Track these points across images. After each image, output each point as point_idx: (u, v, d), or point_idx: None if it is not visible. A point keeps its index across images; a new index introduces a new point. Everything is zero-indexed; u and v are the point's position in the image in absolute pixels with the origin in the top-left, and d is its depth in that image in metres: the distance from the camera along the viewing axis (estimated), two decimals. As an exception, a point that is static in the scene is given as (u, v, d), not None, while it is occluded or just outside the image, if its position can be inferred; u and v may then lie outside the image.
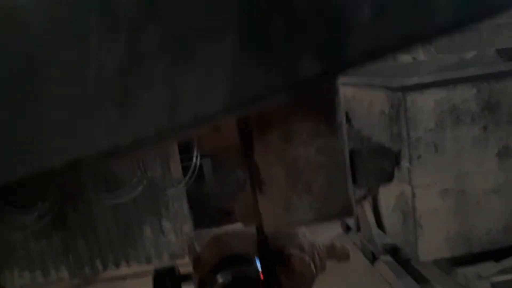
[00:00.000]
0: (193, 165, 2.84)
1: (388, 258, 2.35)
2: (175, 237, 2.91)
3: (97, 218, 2.83)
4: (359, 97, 2.21)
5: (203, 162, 3.24)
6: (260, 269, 0.36)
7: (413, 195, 1.88)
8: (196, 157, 2.95)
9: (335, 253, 0.51)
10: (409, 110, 1.83)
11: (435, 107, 1.87)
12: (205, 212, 3.17)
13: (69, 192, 2.72)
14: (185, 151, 2.88)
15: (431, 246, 1.95)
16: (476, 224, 2.00)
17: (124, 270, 2.91)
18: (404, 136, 1.86)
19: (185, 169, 2.84)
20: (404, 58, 2.52)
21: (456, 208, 1.92)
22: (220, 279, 0.36)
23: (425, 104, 1.86)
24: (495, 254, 2.04)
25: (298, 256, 0.44)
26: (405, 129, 1.84)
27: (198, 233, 3.01)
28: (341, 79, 2.53)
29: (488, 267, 2.01)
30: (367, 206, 2.18)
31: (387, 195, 2.16)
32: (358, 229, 2.51)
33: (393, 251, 2.32)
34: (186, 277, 0.45)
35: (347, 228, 2.88)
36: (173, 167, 2.80)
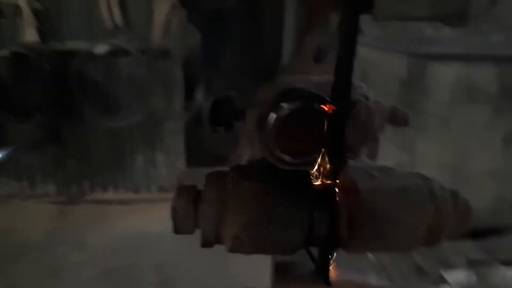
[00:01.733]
0: (195, 103, 2.82)
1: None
2: (166, 171, 2.91)
3: (91, 139, 2.81)
4: (377, 60, 2.18)
5: (204, 105, 3.22)
6: (324, 102, 0.33)
7: (411, 164, 1.90)
8: (200, 97, 2.92)
9: (396, 116, 0.49)
10: (428, 79, 1.82)
11: (453, 80, 1.85)
12: (199, 153, 3.19)
13: (67, 109, 2.69)
14: (190, 90, 2.85)
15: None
16: (465, 202, 2.04)
17: (110, 195, 2.93)
18: (415, 104, 1.86)
19: (186, 108, 2.83)
20: (429, 31, 2.47)
21: (450, 184, 1.95)
22: (285, 106, 0.33)
23: (445, 76, 1.84)
24: (476, 233, 2.10)
25: (364, 103, 0.41)
26: (418, 97, 1.83)
27: (190, 171, 3.04)
28: (360, 39, 2.48)
29: (467, 245, 2.07)
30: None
31: (385, 163, 2.17)
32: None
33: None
34: (240, 115, 0.41)
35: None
36: (175, 102, 2.78)
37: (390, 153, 2.11)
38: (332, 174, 0.37)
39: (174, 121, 2.81)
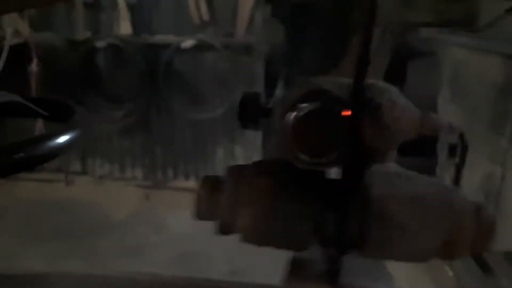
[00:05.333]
0: (275, 99, 2.82)
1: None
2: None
3: (177, 128, 2.96)
4: (469, 61, 1.98)
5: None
6: (345, 105, 0.33)
7: (503, 177, 1.70)
8: (280, 93, 2.91)
9: (425, 124, 0.45)
10: (526, 84, 1.61)
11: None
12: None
13: (156, 98, 2.85)
14: (270, 85, 2.86)
15: (509, 235, 1.78)
16: None
17: (192, 183, 3.05)
18: (510, 112, 1.65)
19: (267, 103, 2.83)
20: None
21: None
22: (304, 107, 0.34)
23: (546, 81, 1.62)
24: None
25: (390, 107, 0.39)
26: (514, 104, 1.63)
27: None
28: (452, 38, 2.28)
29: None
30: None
31: (473, 174, 1.97)
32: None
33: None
34: (267, 112, 0.44)
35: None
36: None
37: (479, 164, 1.91)
38: (345, 174, 0.36)
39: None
